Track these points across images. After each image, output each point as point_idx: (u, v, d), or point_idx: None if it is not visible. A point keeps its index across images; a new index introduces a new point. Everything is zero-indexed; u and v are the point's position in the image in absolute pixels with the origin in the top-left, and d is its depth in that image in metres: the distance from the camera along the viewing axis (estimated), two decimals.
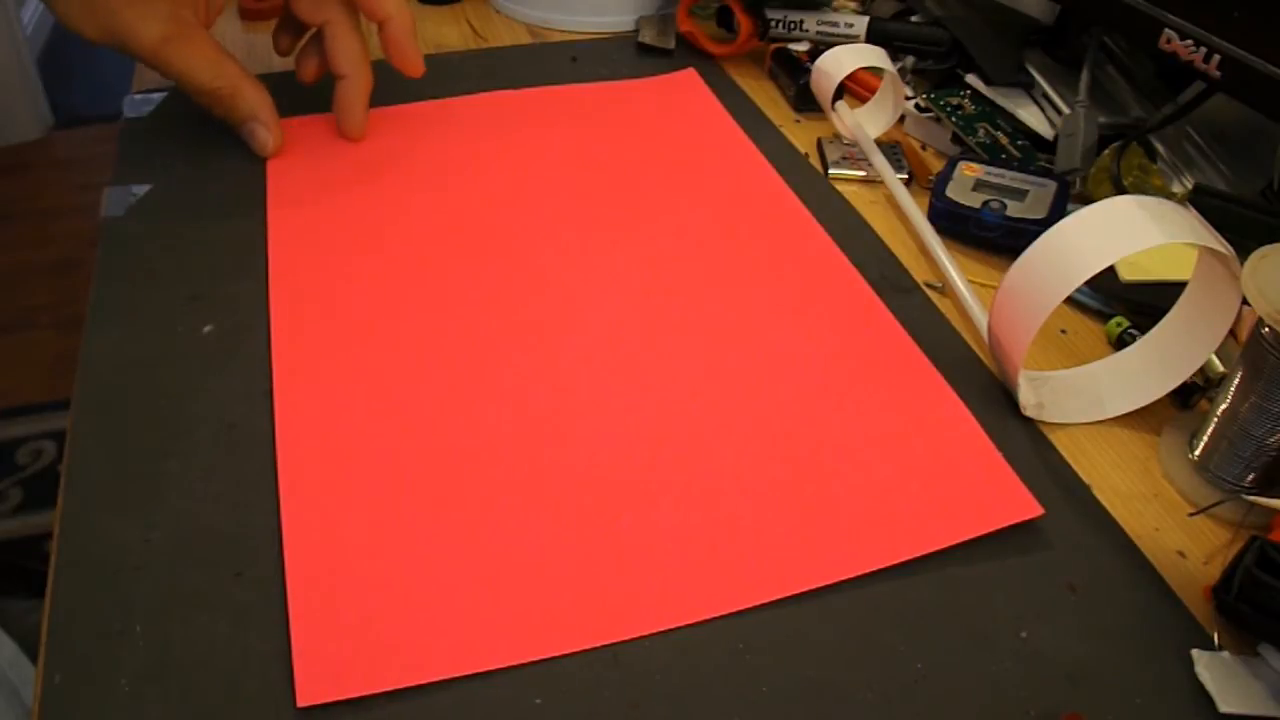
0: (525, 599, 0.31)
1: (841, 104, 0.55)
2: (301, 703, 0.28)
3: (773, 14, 0.61)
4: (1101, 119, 0.51)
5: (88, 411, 0.37)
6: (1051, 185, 0.48)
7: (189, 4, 0.46)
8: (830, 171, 0.53)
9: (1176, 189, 0.50)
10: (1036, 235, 0.36)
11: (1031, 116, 0.54)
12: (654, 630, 0.30)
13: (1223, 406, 0.35)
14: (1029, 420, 0.38)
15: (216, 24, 0.67)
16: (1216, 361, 0.39)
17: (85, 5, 0.43)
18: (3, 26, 1.93)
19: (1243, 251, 0.34)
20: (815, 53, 0.58)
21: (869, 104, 0.56)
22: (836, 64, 0.53)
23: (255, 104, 0.49)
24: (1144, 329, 0.40)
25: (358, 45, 0.51)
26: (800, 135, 0.56)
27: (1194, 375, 0.38)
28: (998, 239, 0.46)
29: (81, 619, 0.30)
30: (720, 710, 0.29)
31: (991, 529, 0.33)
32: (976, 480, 0.35)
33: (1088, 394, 0.39)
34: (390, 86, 0.58)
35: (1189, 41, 0.45)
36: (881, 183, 0.52)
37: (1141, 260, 0.43)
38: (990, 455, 0.36)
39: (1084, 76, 0.52)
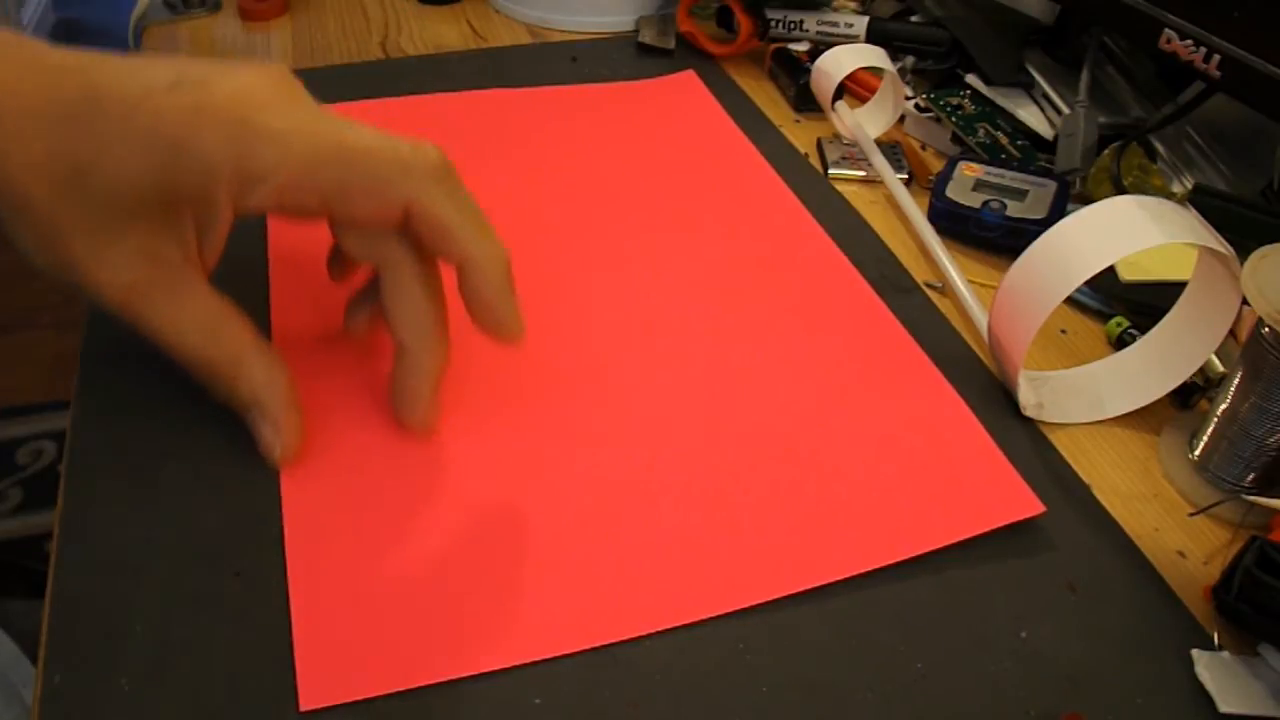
0: (525, 599, 0.31)
1: (841, 104, 0.55)
2: (304, 706, 0.28)
3: (773, 14, 0.61)
4: (1101, 119, 0.51)
5: (88, 411, 0.37)
6: (1051, 185, 0.48)
7: (174, 239, 0.32)
8: (830, 171, 0.53)
9: (1176, 189, 0.50)
10: (1036, 235, 0.36)
11: (1031, 116, 0.54)
12: (654, 630, 0.30)
13: (1223, 406, 0.35)
14: (1029, 420, 0.38)
15: (215, 25, 0.68)
16: (1216, 361, 0.39)
17: (37, 232, 0.31)
18: (2, 27, 1.93)
19: (1243, 251, 0.34)
20: (815, 53, 0.58)
21: (869, 104, 0.56)
22: (836, 64, 0.53)
23: (261, 388, 0.34)
24: (1144, 329, 0.40)
25: (425, 302, 0.34)
26: (800, 135, 0.56)
27: (1194, 375, 0.38)
28: (998, 239, 0.46)
29: (81, 619, 0.30)
30: (720, 710, 0.29)
31: (993, 526, 0.33)
32: (978, 478, 0.35)
33: (1088, 394, 0.39)
34: (386, 81, 0.58)
35: (1189, 41, 0.45)
36: (881, 183, 0.52)
37: (1141, 260, 0.43)
38: (991, 453, 0.36)
39: (1084, 76, 0.52)
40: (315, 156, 0.31)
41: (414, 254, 0.34)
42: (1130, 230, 0.34)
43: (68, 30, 2.44)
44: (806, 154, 0.54)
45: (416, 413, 0.35)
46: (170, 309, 0.33)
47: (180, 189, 0.31)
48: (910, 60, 0.61)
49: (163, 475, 0.34)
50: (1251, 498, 0.35)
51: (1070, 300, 0.44)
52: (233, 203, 0.32)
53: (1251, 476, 0.35)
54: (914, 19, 0.62)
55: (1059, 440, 0.38)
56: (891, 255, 0.47)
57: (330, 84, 0.59)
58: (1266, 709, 0.29)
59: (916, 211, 0.48)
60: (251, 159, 0.31)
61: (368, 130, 0.32)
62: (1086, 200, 0.44)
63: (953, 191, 0.48)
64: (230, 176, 0.31)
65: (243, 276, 0.34)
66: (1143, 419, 0.39)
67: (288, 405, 0.34)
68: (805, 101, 0.58)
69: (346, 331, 0.38)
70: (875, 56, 0.53)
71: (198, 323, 0.33)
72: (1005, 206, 0.46)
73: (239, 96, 0.31)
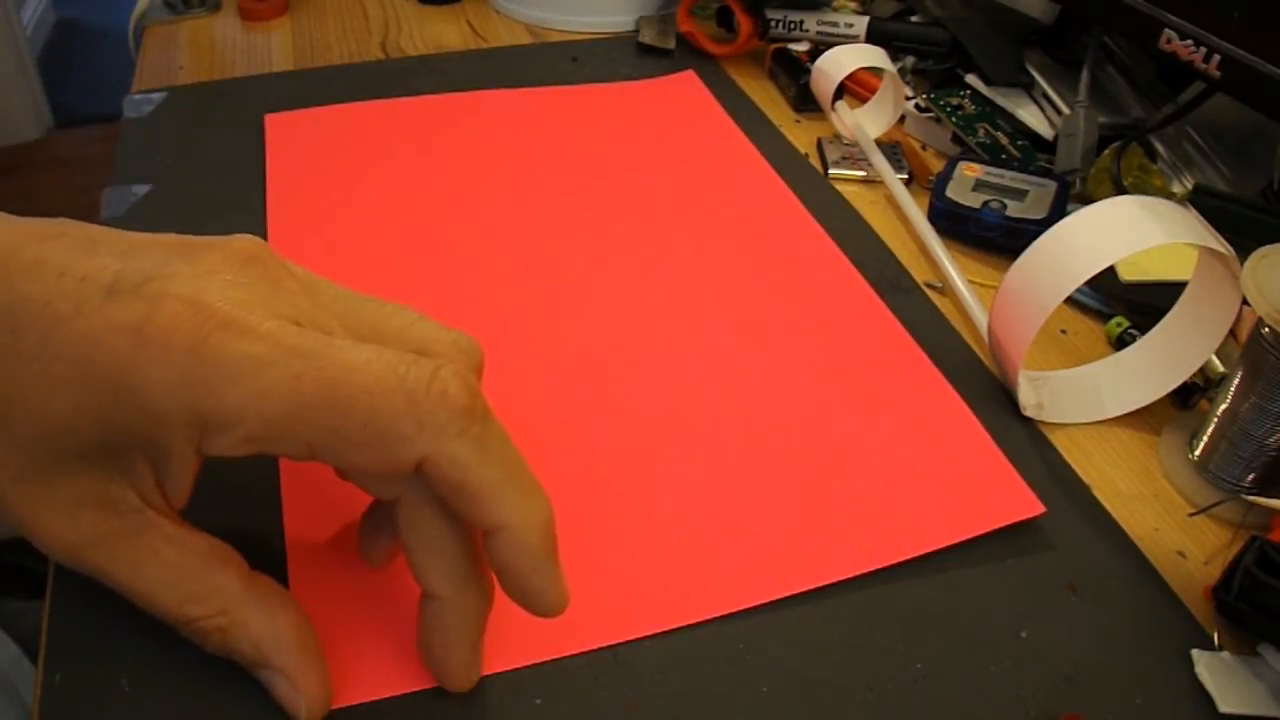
0: None
1: (841, 104, 0.55)
2: None
3: (773, 14, 0.61)
4: (1101, 119, 0.51)
5: None
6: (1051, 185, 0.48)
7: (128, 480, 0.26)
8: (830, 171, 0.53)
9: (1176, 189, 0.50)
10: (1036, 235, 0.36)
11: (1031, 116, 0.54)
12: (654, 630, 0.30)
13: (1223, 406, 0.35)
14: (1029, 420, 0.38)
15: (215, 25, 0.68)
16: (1216, 361, 0.39)
17: None
18: (3, 26, 1.93)
19: (1243, 251, 0.34)
20: (815, 53, 0.58)
21: (869, 104, 0.56)
22: (836, 64, 0.53)
23: (264, 642, 0.27)
24: (1144, 329, 0.40)
25: (454, 544, 0.26)
26: (800, 135, 0.56)
27: (1194, 375, 0.38)
28: (998, 239, 0.46)
29: (81, 619, 0.30)
30: (720, 710, 0.29)
31: (994, 527, 0.33)
32: (978, 478, 0.35)
33: (1088, 394, 0.39)
34: (386, 81, 0.58)
35: (1189, 41, 0.45)
36: (881, 183, 0.52)
37: (1141, 260, 0.43)
38: (991, 453, 0.36)
39: (1084, 76, 0.52)
40: (296, 397, 0.24)
41: (428, 492, 0.26)
42: (1130, 230, 0.34)
43: (67, 30, 2.44)
44: (806, 154, 0.54)
45: (452, 674, 0.28)
46: (133, 562, 0.26)
47: (124, 437, 0.25)
48: (910, 60, 0.61)
49: None
50: (1251, 498, 0.35)
51: (1070, 300, 0.44)
52: (194, 449, 0.25)
53: (1251, 476, 0.35)
54: (914, 19, 0.62)
55: (1059, 440, 0.38)
56: (891, 255, 0.47)
57: (330, 84, 0.59)
58: (1266, 709, 0.29)
59: (916, 211, 0.48)
60: (211, 403, 0.24)
61: (368, 350, 0.25)
62: (1086, 200, 0.44)
63: (953, 191, 0.48)
64: (186, 423, 0.24)
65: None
66: (1143, 419, 0.39)
67: (301, 656, 0.27)
68: (805, 101, 0.58)
69: (364, 559, 0.31)
70: (875, 56, 0.53)
71: (169, 577, 0.27)
72: (1005, 206, 0.46)
73: (194, 307, 0.24)
